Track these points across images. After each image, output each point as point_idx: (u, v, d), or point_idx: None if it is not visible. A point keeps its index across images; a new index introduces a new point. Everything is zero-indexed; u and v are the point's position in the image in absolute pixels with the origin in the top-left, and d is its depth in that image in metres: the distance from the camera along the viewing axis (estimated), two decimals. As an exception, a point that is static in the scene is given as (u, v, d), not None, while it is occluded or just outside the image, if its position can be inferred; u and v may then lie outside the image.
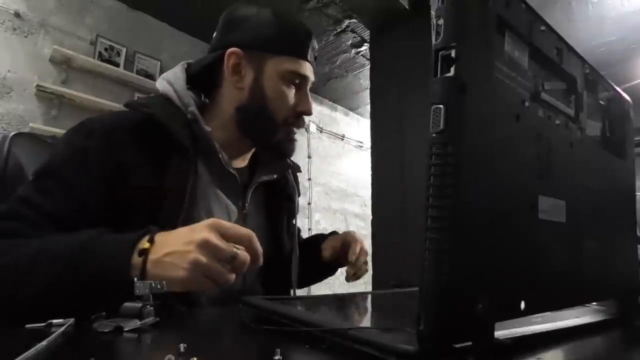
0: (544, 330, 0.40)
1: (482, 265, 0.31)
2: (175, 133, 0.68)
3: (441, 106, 0.29)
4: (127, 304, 0.44)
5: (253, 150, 0.87)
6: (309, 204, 4.17)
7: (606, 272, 0.48)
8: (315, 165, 4.40)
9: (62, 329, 0.37)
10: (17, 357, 0.28)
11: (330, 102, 4.73)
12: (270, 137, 0.79)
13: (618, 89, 0.54)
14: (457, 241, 0.29)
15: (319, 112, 4.61)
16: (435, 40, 0.30)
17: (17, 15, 2.49)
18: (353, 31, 3.39)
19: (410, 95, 2.39)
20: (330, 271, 0.98)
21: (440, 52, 0.30)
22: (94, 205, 0.63)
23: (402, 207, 2.29)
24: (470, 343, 0.30)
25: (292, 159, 0.90)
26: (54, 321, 0.40)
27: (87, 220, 0.59)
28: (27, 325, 0.40)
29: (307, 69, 0.78)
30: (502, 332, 0.34)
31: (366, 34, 3.28)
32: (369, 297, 0.78)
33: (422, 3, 2.45)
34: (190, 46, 3.36)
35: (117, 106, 2.69)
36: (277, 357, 0.30)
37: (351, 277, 0.87)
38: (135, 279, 0.46)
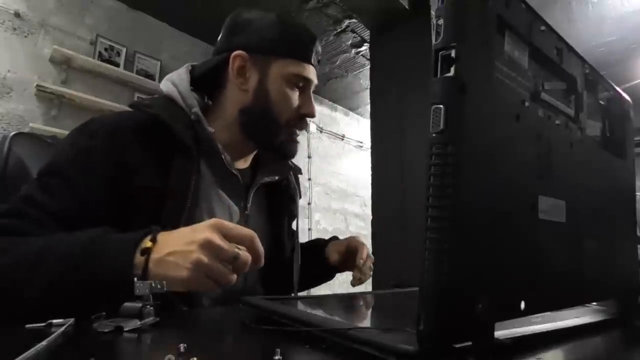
0: (544, 330, 0.40)
1: (482, 265, 0.31)
2: (178, 134, 0.69)
3: (441, 106, 0.29)
4: (127, 304, 0.44)
5: (255, 151, 0.87)
6: (309, 204, 4.17)
7: (606, 272, 0.48)
8: (315, 165, 4.40)
9: (62, 329, 0.37)
10: (17, 357, 0.28)
11: (330, 102, 4.73)
12: (273, 138, 0.79)
13: (618, 89, 0.54)
14: (457, 241, 0.29)
15: (319, 112, 4.59)
16: (435, 40, 0.30)
17: (17, 15, 2.49)
18: (353, 31, 3.39)
19: (410, 95, 2.39)
20: (329, 275, 0.99)
21: (440, 52, 0.30)
22: (97, 205, 0.63)
23: (402, 207, 2.29)
24: (470, 343, 0.30)
25: (292, 159, 0.90)
26: (54, 321, 0.40)
27: (90, 220, 0.59)
28: (27, 325, 0.40)
29: (311, 72, 0.80)
30: (502, 332, 0.34)
31: (366, 34, 3.28)
32: (369, 297, 0.78)
33: (422, 3, 2.45)
34: (190, 46, 3.36)
35: (117, 106, 2.70)
36: (277, 357, 0.30)
37: (357, 281, 0.88)
38: (136, 279, 0.46)
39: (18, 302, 0.52)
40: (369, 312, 0.63)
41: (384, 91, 2.59)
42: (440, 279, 0.28)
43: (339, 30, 3.38)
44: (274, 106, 0.77)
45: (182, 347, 0.31)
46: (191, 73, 0.80)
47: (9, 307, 0.52)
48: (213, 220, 0.54)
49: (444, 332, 0.29)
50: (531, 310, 0.35)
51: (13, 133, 0.82)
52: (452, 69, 0.30)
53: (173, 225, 0.62)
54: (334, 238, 1.00)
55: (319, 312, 0.50)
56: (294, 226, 0.95)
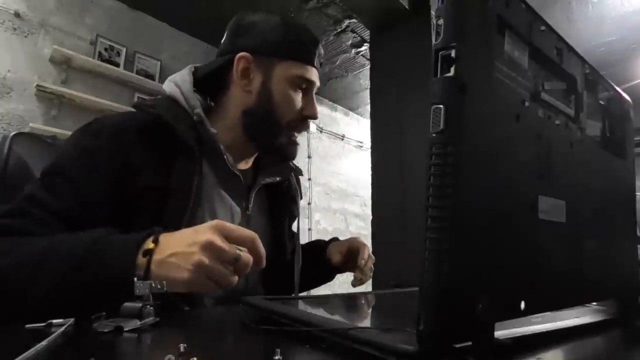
0: (544, 330, 0.40)
1: (482, 265, 0.31)
2: (181, 134, 0.69)
3: (441, 106, 0.29)
4: (127, 304, 0.44)
5: (256, 153, 0.88)
6: (309, 204, 4.17)
7: (606, 272, 0.48)
8: (315, 165, 4.40)
9: (62, 329, 0.37)
10: (17, 357, 0.28)
11: (330, 102, 4.73)
12: (274, 140, 0.80)
13: (618, 89, 0.54)
14: (457, 241, 0.29)
15: (319, 112, 4.58)
16: (435, 40, 0.30)
17: (17, 15, 2.49)
18: (353, 31, 3.39)
19: (410, 95, 2.39)
20: (330, 276, 0.99)
21: (440, 52, 0.30)
22: (100, 205, 0.64)
23: (402, 207, 2.29)
24: (470, 343, 0.30)
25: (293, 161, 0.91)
26: (54, 321, 0.40)
27: (93, 220, 0.60)
28: (27, 325, 0.40)
29: (314, 75, 0.80)
30: (502, 332, 0.34)
31: (366, 34, 3.28)
32: (369, 297, 0.78)
33: (422, 3, 2.45)
34: (190, 46, 3.36)
35: (117, 106, 2.70)
36: (277, 357, 0.30)
37: (358, 281, 0.89)
38: (136, 279, 0.46)
39: (21, 302, 0.52)
40: (369, 312, 0.63)
41: (384, 91, 2.59)
42: (440, 279, 0.28)
43: (339, 30, 3.38)
44: (277, 108, 0.78)
45: (182, 347, 0.31)
46: (194, 74, 0.80)
47: (12, 307, 0.52)
48: (214, 222, 0.54)
49: (444, 332, 0.29)
50: (531, 310, 0.35)
51: (13, 133, 0.82)
52: (452, 69, 0.30)
53: (175, 225, 0.62)
54: (335, 239, 1.00)
55: (319, 312, 0.50)
56: (294, 227, 0.95)
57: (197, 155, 0.70)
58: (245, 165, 0.86)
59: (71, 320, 0.40)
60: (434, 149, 0.29)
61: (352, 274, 0.93)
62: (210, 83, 0.81)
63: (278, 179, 0.88)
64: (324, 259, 0.94)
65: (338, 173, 4.72)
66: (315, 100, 0.82)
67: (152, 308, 0.45)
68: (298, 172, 0.96)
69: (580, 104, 0.45)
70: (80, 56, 2.66)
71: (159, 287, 0.46)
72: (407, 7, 2.47)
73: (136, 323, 0.42)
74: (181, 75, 0.80)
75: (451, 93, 0.30)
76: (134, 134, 0.68)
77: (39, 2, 2.60)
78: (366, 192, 2.68)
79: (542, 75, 0.40)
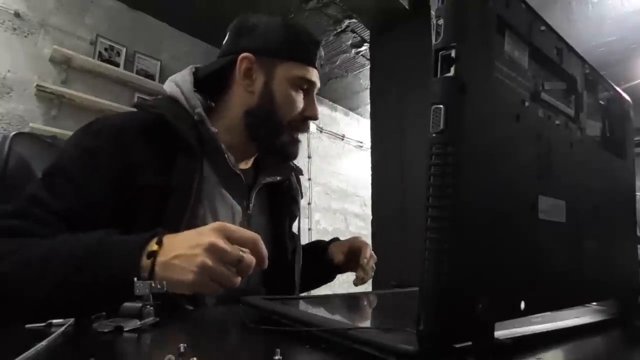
0: (544, 330, 0.40)
1: (482, 265, 0.31)
2: (182, 133, 0.70)
3: (441, 106, 0.29)
4: (127, 304, 0.44)
5: (257, 153, 0.88)
6: (309, 204, 4.17)
7: (606, 272, 0.48)
8: (315, 165, 4.40)
9: (62, 329, 0.37)
10: (17, 357, 0.28)
11: (330, 102, 4.73)
12: (275, 140, 0.80)
13: (618, 89, 0.54)
14: (457, 241, 0.29)
15: (319, 112, 4.60)
16: (435, 40, 0.30)
17: (17, 15, 2.49)
18: (353, 31, 3.39)
19: (410, 95, 2.39)
20: (331, 276, 1.00)
21: (440, 52, 0.30)
22: (102, 205, 0.64)
23: (402, 207, 2.29)
24: (470, 343, 0.30)
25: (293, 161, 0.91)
26: (54, 321, 0.40)
27: (95, 219, 0.60)
28: (27, 325, 0.40)
29: (314, 75, 0.81)
30: (502, 332, 0.34)
31: (366, 34, 3.28)
32: (369, 297, 0.78)
33: (422, 3, 2.45)
34: (190, 46, 3.36)
35: (117, 106, 2.70)
36: (277, 357, 0.30)
37: (360, 280, 0.89)
38: (135, 279, 0.46)
39: (23, 303, 0.52)
40: (369, 312, 0.63)
41: (384, 91, 2.59)
42: (440, 279, 0.28)
43: (339, 30, 3.38)
44: (279, 108, 0.79)
45: (182, 347, 0.31)
46: (195, 75, 0.81)
47: (15, 307, 0.52)
48: (217, 224, 0.54)
49: (444, 332, 0.29)
50: (531, 310, 0.35)
51: (13, 133, 0.82)
52: (452, 69, 0.30)
53: (176, 224, 0.62)
54: (335, 239, 1.01)
55: (319, 312, 0.50)
56: (295, 227, 0.96)
57: (197, 154, 0.71)
58: (245, 165, 0.86)
59: (71, 320, 0.40)
60: (434, 149, 0.29)
61: (353, 273, 0.93)
62: (212, 83, 0.81)
63: (279, 178, 0.88)
64: (325, 259, 0.94)
65: (338, 173, 4.72)
66: (316, 101, 0.83)
67: (152, 308, 0.45)
68: (298, 171, 0.96)
69: (580, 104, 0.45)
70: (80, 56, 2.66)
71: (159, 287, 0.46)
72: (407, 7, 2.47)
73: (136, 323, 0.42)
74: (182, 75, 0.80)
75: (451, 93, 0.30)
76: (134, 133, 0.69)
77: (39, 2, 2.60)
78: (366, 192, 2.68)
79: (542, 75, 0.40)
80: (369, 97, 2.79)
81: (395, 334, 0.34)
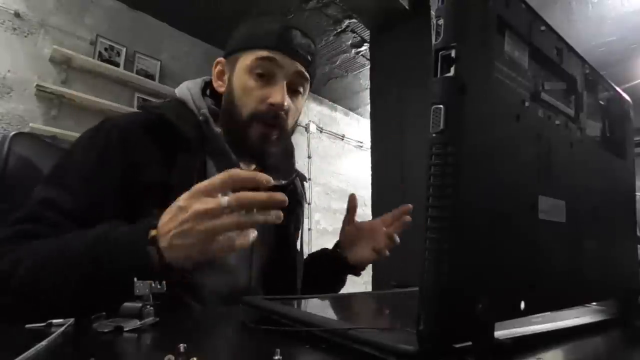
0: (544, 330, 0.40)
1: (482, 265, 0.31)
2: (182, 132, 0.71)
3: (441, 106, 0.29)
4: (127, 304, 0.44)
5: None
6: (308, 204, 4.17)
7: (606, 272, 0.48)
8: (315, 165, 4.40)
9: (62, 329, 0.37)
10: (17, 357, 0.28)
11: (330, 102, 4.73)
12: (242, 134, 0.76)
13: (618, 89, 0.54)
14: (457, 241, 0.29)
15: (319, 112, 4.61)
16: (435, 40, 0.30)
17: (17, 15, 2.49)
18: (353, 31, 3.39)
19: (410, 95, 2.39)
20: (341, 280, 0.98)
21: (440, 52, 0.30)
22: (110, 201, 0.65)
23: (402, 207, 2.29)
24: (470, 343, 0.30)
25: (293, 160, 0.91)
26: (54, 321, 0.40)
27: (103, 216, 0.60)
28: (27, 325, 0.40)
29: (278, 57, 0.74)
30: (502, 332, 0.34)
31: (366, 34, 3.28)
32: (369, 297, 0.78)
33: (422, 3, 2.46)
34: (190, 46, 3.36)
35: (117, 106, 2.70)
36: (277, 357, 0.30)
37: (384, 249, 0.90)
38: (135, 279, 0.46)
39: (48, 302, 0.52)
40: (369, 312, 0.63)
41: (384, 91, 2.59)
42: (440, 279, 0.28)
43: (339, 30, 3.38)
44: (238, 100, 0.75)
45: (182, 347, 0.31)
46: (208, 83, 0.83)
47: (40, 308, 0.52)
48: (187, 193, 0.54)
49: (444, 332, 0.29)
50: (531, 310, 0.35)
51: (13, 133, 0.82)
52: (452, 69, 0.30)
53: None
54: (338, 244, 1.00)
55: (319, 312, 0.50)
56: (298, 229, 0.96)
57: (198, 153, 0.71)
58: (251, 167, 0.86)
59: (71, 320, 0.40)
60: (434, 149, 0.29)
61: (353, 275, 0.93)
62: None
63: (283, 182, 0.88)
64: (334, 256, 0.94)
65: (338, 173, 4.72)
66: (283, 88, 0.75)
67: (152, 308, 0.45)
68: (302, 177, 0.96)
69: (580, 104, 0.45)
70: (80, 56, 2.66)
71: (159, 287, 0.46)
72: (407, 7, 2.47)
73: (136, 323, 0.42)
74: (194, 81, 0.83)
75: (451, 93, 0.30)
76: (138, 132, 0.70)
77: (38, 2, 2.60)
78: (366, 192, 2.67)
79: (542, 75, 0.40)
80: (369, 97, 2.79)
81: (395, 334, 0.34)
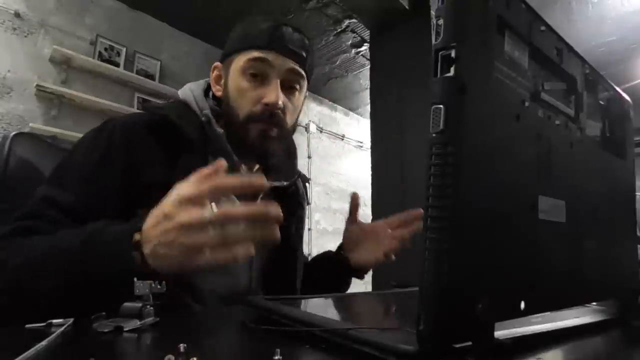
0: (544, 330, 0.40)
1: (482, 265, 0.31)
2: (184, 132, 0.71)
3: (441, 106, 0.29)
4: (127, 304, 0.44)
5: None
6: (308, 204, 4.16)
7: (606, 272, 0.48)
8: (315, 165, 4.40)
9: (62, 329, 0.37)
10: (17, 357, 0.28)
11: (330, 102, 4.73)
12: (241, 135, 0.76)
13: (618, 89, 0.54)
14: (457, 241, 0.29)
15: (319, 112, 4.61)
16: (435, 40, 0.30)
17: (17, 15, 2.49)
18: (353, 31, 3.39)
19: (410, 95, 2.39)
20: (346, 283, 0.98)
21: (440, 52, 0.30)
22: (113, 203, 0.65)
23: (402, 207, 2.29)
24: (470, 343, 0.30)
25: (295, 161, 0.91)
26: (54, 321, 0.40)
27: (103, 214, 0.60)
28: (27, 325, 0.40)
29: (270, 57, 0.74)
30: (502, 332, 0.34)
31: (366, 34, 3.29)
32: (369, 297, 0.78)
33: (422, 3, 2.46)
34: (190, 46, 3.36)
35: (117, 106, 2.70)
36: (277, 357, 0.30)
37: (391, 252, 0.90)
38: (135, 279, 0.46)
39: (27, 302, 0.52)
40: (369, 312, 0.63)
41: (384, 91, 2.59)
42: (440, 279, 0.28)
43: (339, 30, 3.38)
44: (234, 102, 0.76)
45: (182, 347, 0.31)
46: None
47: (20, 307, 0.53)
48: (170, 201, 0.50)
49: (444, 332, 0.29)
50: (531, 310, 0.35)
51: (13, 133, 0.82)
52: (452, 69, 0.30)
53: None
54: (341, 246, 1.00)
55: (319, 312, 0.50)
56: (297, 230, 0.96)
57: (200, 152, 0.72)
58: (253, 168, 0.85)
59: (71, 320, 0.40)
60: (434, 149, 0.29)
61: (357, 277, 0.93)
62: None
63: (285, 183, 0.87)
64: (338, 258, 0.93)
65: (338, 173, 4.72)
66: (277, 87, 0.74)
67: (152, 308, 0.45)
68: (304, 178, 0.96)
69: (580, 104, 0.45)
70: (80, 56, 2.66)
71: (159, 287, 0.46)
72: (407, 7, 2.48)
73: (136, 323, 0.42)
74: (197, 82, 0.83)
75: (451, 93, 0.30)
76: (141, 132, 0.70)
77: (38, 2, 2.60)
78: (366, 192, 2.67)
79: (542, 75, 0.40)
80: (369, 97, 2.79)
81: (395, 334, 0.34)
